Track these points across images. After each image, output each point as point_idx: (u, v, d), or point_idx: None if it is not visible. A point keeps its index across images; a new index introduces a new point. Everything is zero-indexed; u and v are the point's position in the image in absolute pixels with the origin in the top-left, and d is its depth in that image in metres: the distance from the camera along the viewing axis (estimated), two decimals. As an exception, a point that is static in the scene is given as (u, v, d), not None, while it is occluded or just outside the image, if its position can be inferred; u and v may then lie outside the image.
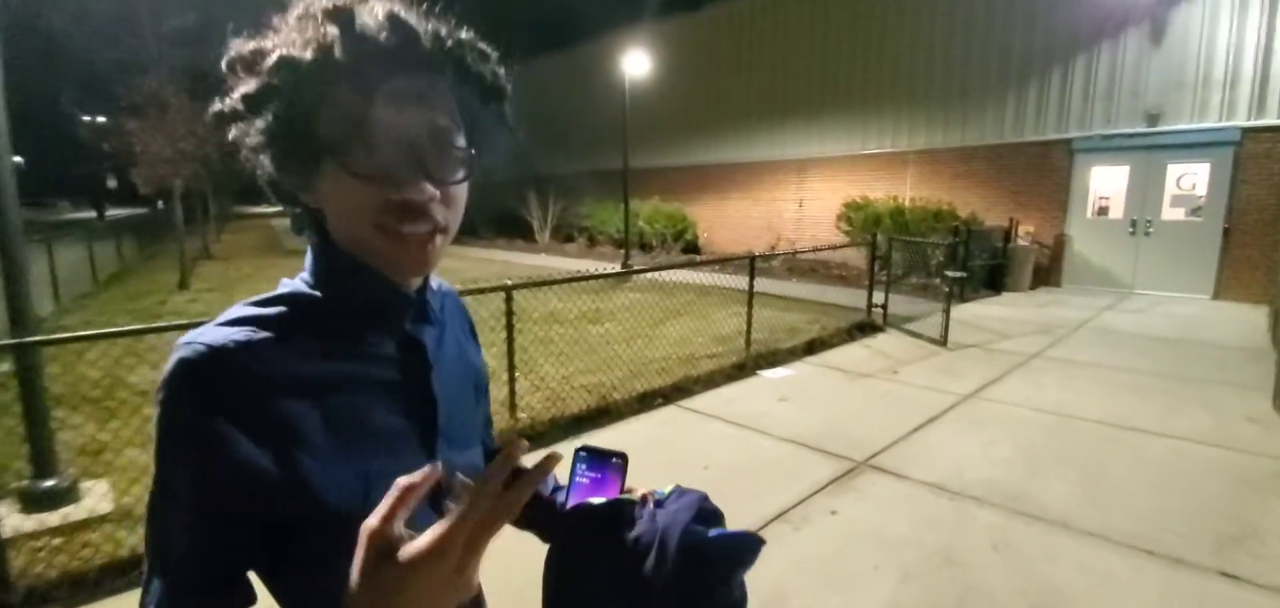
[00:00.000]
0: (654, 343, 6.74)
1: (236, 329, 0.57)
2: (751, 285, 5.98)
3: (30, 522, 3.04)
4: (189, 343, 0.55)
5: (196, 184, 18.24)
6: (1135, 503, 3.25)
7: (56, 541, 2.98)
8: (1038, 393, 5.05)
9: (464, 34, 0.61)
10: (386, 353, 0.65)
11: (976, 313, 8.58)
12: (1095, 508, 3.19)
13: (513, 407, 4.20)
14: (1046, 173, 11.26)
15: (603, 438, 4.13)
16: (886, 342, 6.91)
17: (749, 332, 5.95)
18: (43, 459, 3.13)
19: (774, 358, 6.10)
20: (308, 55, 0.55)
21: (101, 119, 9.56)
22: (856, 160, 14.12)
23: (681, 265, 7.64)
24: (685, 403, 4.90)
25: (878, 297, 7.65)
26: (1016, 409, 4.68)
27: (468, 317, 0.84)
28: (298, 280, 0.64)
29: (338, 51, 0.55)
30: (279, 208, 0.68)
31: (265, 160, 0.60)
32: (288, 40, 0.57)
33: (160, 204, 25.06)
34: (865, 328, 7.37)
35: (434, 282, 0.73)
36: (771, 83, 15.60)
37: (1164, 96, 9.93)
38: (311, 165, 0.58)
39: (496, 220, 21.52)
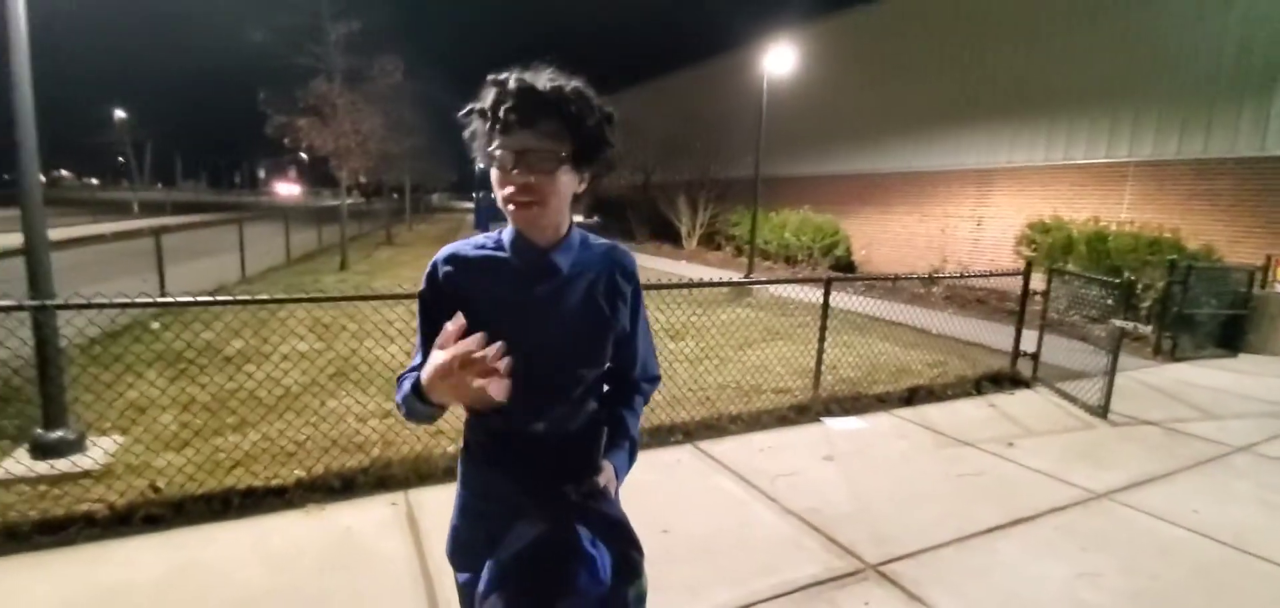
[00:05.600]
0: (726, 367, 6.00)
1: None
2: (825, 312, 5.00)
3: (37, 467, 3.37)
4: None
5: (384, 177, 20.64)
6: None
7: (42, 487, 3.26)
8: (1213, 508, 3.47)
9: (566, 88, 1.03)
10: None
11: (1182, 378, 6.44)
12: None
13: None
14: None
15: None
16: (1023, 402, 5.40)
17: (819, 369, 4.96)
18: (53, 411, 3.47)
19: (853, 404, 5.04)
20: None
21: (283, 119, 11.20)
22: (1055, 171, 11.67)
23: (786, 280, 6.87)
24: (706, 444, 4.16)
25: (1032, 343, 6.02)
26: (1163, 527, 3.24)
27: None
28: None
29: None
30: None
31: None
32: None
33: (368, 197, 29.74)
34: (1001, 380, 5.85)
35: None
36: (954, 81, 13.51)
37: None
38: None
39: (652, 224, 21.59)
